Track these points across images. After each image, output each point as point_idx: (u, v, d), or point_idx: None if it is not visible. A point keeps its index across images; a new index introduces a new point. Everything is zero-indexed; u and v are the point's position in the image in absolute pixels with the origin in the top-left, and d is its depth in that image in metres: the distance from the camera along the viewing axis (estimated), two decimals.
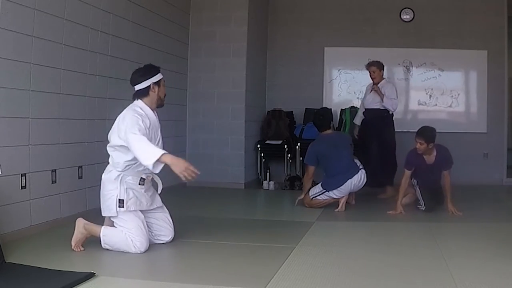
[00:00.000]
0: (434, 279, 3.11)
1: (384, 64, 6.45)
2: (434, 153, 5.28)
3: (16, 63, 3.95)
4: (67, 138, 4.57)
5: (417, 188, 5.49)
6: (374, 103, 6.37)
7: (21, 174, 4.05)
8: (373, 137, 6.32)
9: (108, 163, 3.78)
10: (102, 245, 3.63)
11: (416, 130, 5.29)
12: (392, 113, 6.44)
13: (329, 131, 5.78)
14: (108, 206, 3.67)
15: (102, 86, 5.14)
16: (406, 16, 7.92)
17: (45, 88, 4.29)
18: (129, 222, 3.64)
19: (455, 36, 7.74)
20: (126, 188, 3.67)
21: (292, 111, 7.96)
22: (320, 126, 5.79)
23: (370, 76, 6.43)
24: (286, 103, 7.97)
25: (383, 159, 6.27)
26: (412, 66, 7.92)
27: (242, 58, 7.25)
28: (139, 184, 3.73)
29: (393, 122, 6.49)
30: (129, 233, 3.60)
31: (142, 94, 3.77)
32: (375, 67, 6.38)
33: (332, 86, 8.12)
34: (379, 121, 6.38)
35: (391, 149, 6.37)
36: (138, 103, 3.78)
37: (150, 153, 3.47)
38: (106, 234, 3.63)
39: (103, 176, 3.76)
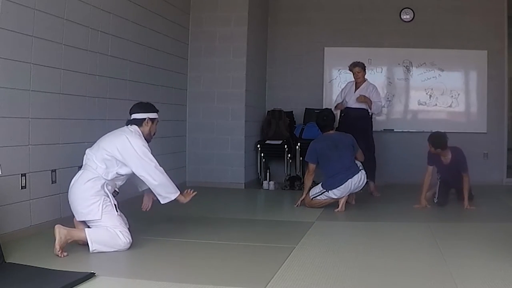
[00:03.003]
0: (434, 279, 3.11)
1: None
2: (449, 155, 5.63)
3: (16, 63, 3.95)
4: (67, 138, 4.57)
5: (438, 183, 5.80)
6: (359, 103, 6.47)
7: (21, 174, 4.05)
8: (360, 135, 6.32)
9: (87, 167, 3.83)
10: (91, 248, 3.60)
11: (415, 130, 5.32)
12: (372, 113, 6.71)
13: (331, 132, 5.79)
14: (92, 210, 3.72)
15: (102, 86, 5.14)
16: (406, 16, 7.92)
17: (45, 88, 4.29)
18: (113, 219, 3.74)
19: (455, 36, 7.74)
20: (108, 194, 3.84)
21: (292, 111, 7.96)
22: (324, 127, 5.79)
23: (354, 76, 6.57)
24: (286, 103, 7.97)
25: (370, 156, 6.43)
26: (412, 66, 7.92)
27: (242, 58, 7.24)
28: (113, 194, 3.89)
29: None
30: (114, 227, 3.69)
31: (137, 122, 4.00)
32: (360, 68, 6.52)
33: (332, 86, 8.12)
34: (365, 121, 6.58)
35: (374, 147, 6.62)
36: (134, 127, 3.97)
37: (171, 189, 3.95)
38: (91, 234, 3.64)
39: (86, 183, 3.76)
